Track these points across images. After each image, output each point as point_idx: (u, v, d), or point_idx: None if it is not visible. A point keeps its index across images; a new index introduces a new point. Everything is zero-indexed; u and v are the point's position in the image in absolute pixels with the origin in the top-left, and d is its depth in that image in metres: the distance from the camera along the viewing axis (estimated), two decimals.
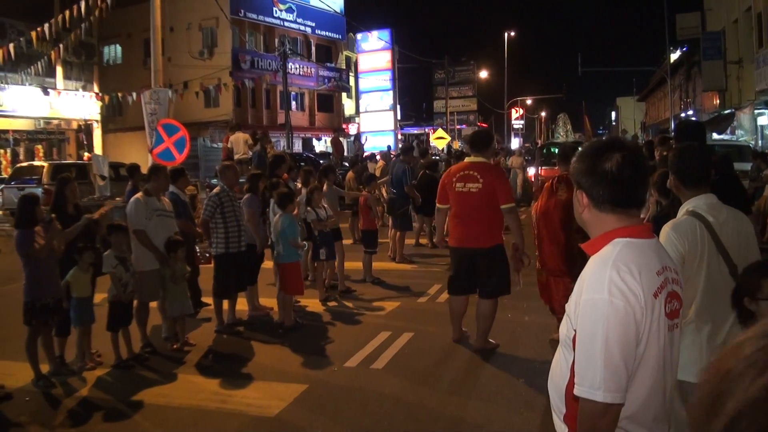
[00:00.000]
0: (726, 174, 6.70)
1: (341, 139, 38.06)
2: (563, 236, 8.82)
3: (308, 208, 12.43)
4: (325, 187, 13.47)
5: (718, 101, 42.33)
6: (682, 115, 55.38)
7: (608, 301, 2.65)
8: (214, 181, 22.30)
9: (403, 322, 11.00)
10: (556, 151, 30.50)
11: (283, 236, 10.91)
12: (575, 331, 2.77)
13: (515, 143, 76.54)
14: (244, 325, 11.07)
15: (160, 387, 8.47)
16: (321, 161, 30.09)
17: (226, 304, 10.96)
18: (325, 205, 12.75)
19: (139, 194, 10.21)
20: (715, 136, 37.11)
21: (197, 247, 12.16)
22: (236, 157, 22.62)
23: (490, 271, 9.17)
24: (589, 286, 2.74)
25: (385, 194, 18.89)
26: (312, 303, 12.39)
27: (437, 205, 9.62)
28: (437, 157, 32.70)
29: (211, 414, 7.55)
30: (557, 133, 34.91)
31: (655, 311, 2.72)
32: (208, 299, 11.33)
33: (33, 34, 22.00)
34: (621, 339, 2.63)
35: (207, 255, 11.67)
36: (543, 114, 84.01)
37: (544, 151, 34.44)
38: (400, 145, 66.34)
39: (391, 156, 26.67)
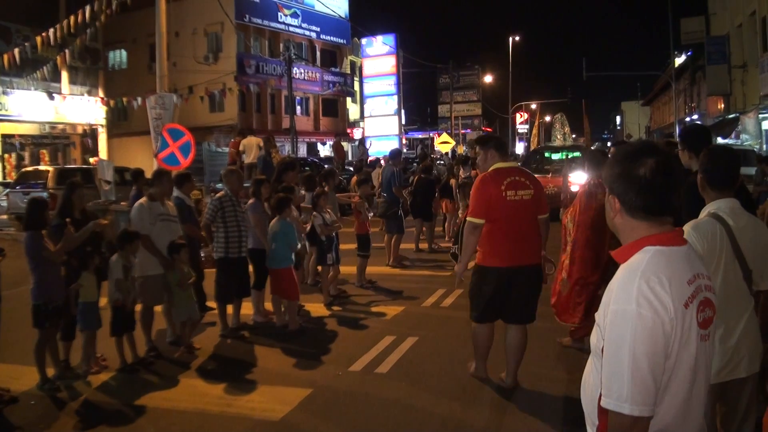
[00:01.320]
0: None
1: (343, 143, 38.06)
2: (605, 241, 8.59)
3: (314, 213, 12.46)
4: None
5: (722, 105, 42.35)
6: (687, 119, 55.36)
7: (636, 312, 2.62)
8: (219, 185, 22.31)
9: (408, 326, 10.99)
10: (552, 156, 29.39)
11: (276, 241, 10.94)
12: (604, 341, 2.74)
13: (520, 148, 76.55)
14: (249, 329, 11.06)
15: (164, 391, 8.49)
16: (326, 166, 30.12)
17: (230, 308, 10.99)
18: (330, 210, 12.78)
19: (143, 199, 10.22)
20: (719, 140, 37.10)
21: (202, 252, 12.16)
22: (247, 161, 22.64)
23: (530, 291, 8.05)
24: (618, 297, 2.71)
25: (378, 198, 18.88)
26: (316, 307, 12.40)
27: (474, 219, 7.81)
28: (441, 162, 32.59)
29: (216, 418, 7.56)
30: (554, 135, 32.75)
31: (686, 322, 2.69)
32: (213, 303, 11.33)
33: (38, 39, 22.03)
34: (649, 351, 2.60)
35: (211, 258, 11.66)
36: (547, 118, 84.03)
37: (537, 156, 30.98)
38: (404, 150, 66.51)
39: (382, 163, 26.71)
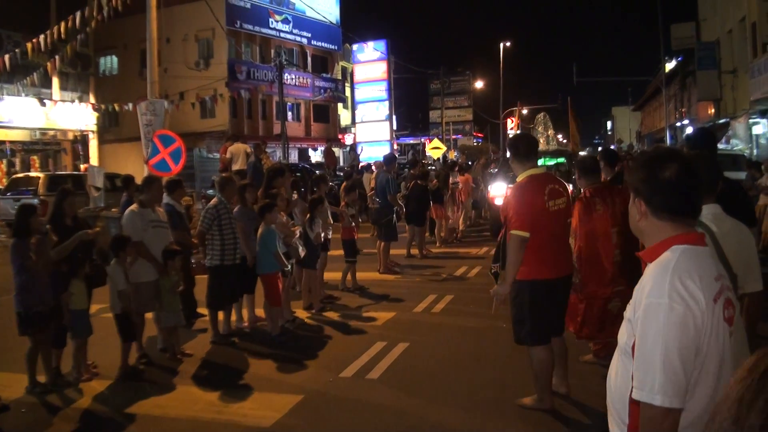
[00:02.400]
0: (732, 184, 6.75)
1: (334, 148, 38.02)
2: (611, 251, 8.37)
3: (313, 219, 12.44)
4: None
5: (713, 110, 42.46)
6: (678, 124, 55.50)
7: (669, 306, 2.69)
8: (210, 191, 22.28)
9: (399, 332, 10.98)
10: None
11: (261, 247, 10.94)
12: (636, 336, 2.79)
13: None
14: (240, 336, 11.05)
15: (155, 398, 8.46)
16: (317, 171, 30.09)
17: (221, 314, 10.99)
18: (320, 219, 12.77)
19: (133, 206, 10.23)
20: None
21: (192, 258, 12.15)
22: (235, 167, 22.61)
23: (567, 301, 7.81)
24: (651, 291, 2.77)
25: (371, 204, 18.87)
26: (307, 314, 12.43)
27: (521, 233, 7.06)
28: (433, 168, 32.08)
29: (207, 425, 7.55)
30: (536, 137, 27.97)
31: (716, 316, 2.75)
32: (204, 310, 11.33)
33: (29, 45, 21.99)
34: (680, 344, 2.66)
35: (202, 265, 11.61)
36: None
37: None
38: (395, 156, 66.47)
39: (373, 168, 26.70)
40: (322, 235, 12.69)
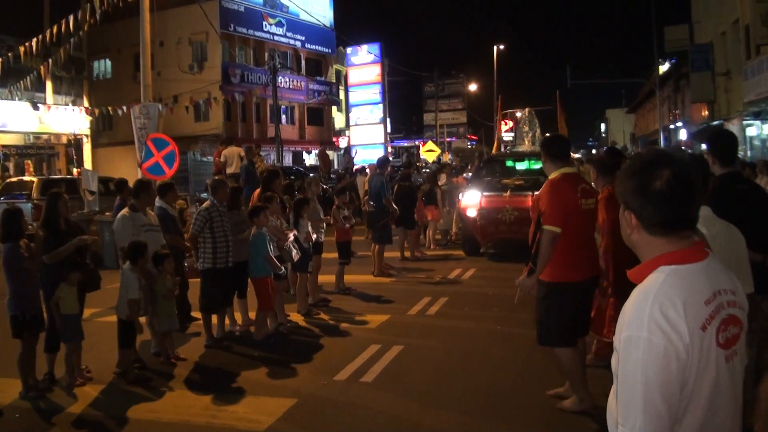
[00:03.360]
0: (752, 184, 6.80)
1: (328, 151, 38.01)
2: None
3: (298, 220, 12.40)
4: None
5: (706, 112, 42.49)
6: (671, 126, 55.58)
7: (647, 340, 2.51)
8: (204, 195, 22.24)
9: (393, 335, 10.96)
10: (517, 165, 21.73)
11: (252, 251, 10.90)
12: (618, 368, 2.65)
13: None
14: (233, 339, 11.02)
15: (149, 403, 8.43)
16: (311, 174, 30.08)
17: (215, 318, 10.97)
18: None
19: (124, 210, 10.21)
20: (704, 147, 37.20)
21: (185, 262, 12.12)
22: (229, 171, 22.58)
23: (591, 303, 7.79)
24: (630, 322, 2.59)
25: (365, 207, 18.81)
26: (301, 317, 12.40)
27: (554, 228, 7.05)
28: (427, 170, 31.90)
29: (200, 429, 7.53)
30: (519, 137, 26.02)
31: (704, 345, 2.57)
32: (198, 314, 11.30)
33: (21, 48, 21.99)
34: (661, 380, 2.50)
35: (195, 269, 11.58)
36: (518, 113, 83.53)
37: (494, 166, 22.14)
38: (390, 158, 66.47)
39: (366, 171, 26.62)
40: (314, 236, 12.66)
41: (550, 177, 7.43)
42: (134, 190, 10.57)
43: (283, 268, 11.42)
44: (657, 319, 2.52)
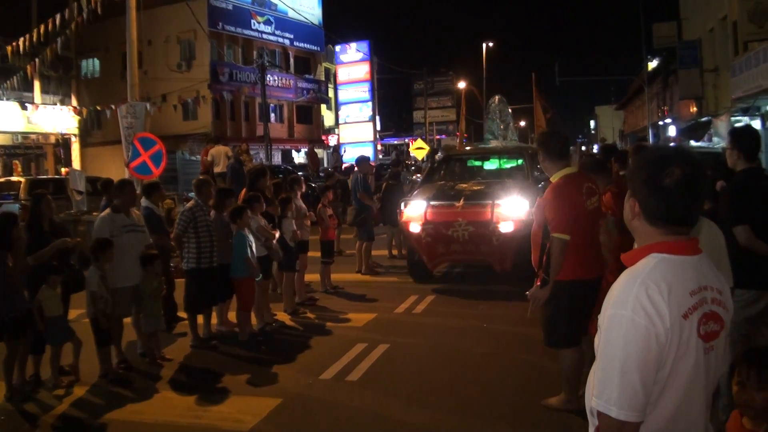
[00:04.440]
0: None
1: (317, 150, 37.98)
2: None
3: (282, 219, 12.36)
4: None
5: (695, 109, 42.59)
6: (660, 123, 55.67)
7: (630, 318, 2.61)
8: (191, 194, 22.22)
9: (379, 334, 10.96)
10: (485, 165, 18.39)
11: (234, 251, 10.85)
12: (600, 344, 2.74)
13: None
14: (220, 339, 10.98)
15: (134, 404, 8.41)
16: (300, 173, 30.05)
17: (200, 318, 10.94)
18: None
19: (106, 211, 10.16)
20: (692, 143, 37.38)
21: (171, 262, 12.10)
22: (216, 170, 22.51)
23: (595, 302, 7.06)
24: (615, 301, 2.70)
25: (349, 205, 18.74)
26: (288, 316, 12.38)
27: (562, 235, 6.92)
28: (413, 168, 31.84)
29: (185, 430, 7.52)
30: (488, 130, 21.70)
31: (684, 333, 2.66)
32: (184, 314, 11.27)
33: (8, 48, 21.93)
34: (640, 358, 2.59)
35: (181, 269, 11.53)
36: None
37: (452, 166, 17.78)
38: (380, 156, 66.58)
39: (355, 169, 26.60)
40: (300, 233, 12.64)
41: (552, 180, 7.28)
42: (115, 190, 10.51)
43: (260, 274, 11.32)
44: (642, 300, 2.62)
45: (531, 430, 7.22)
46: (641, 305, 2.61)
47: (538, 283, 7.13)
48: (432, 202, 14.03)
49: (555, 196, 7.09)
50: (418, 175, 25.41)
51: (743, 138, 6.77)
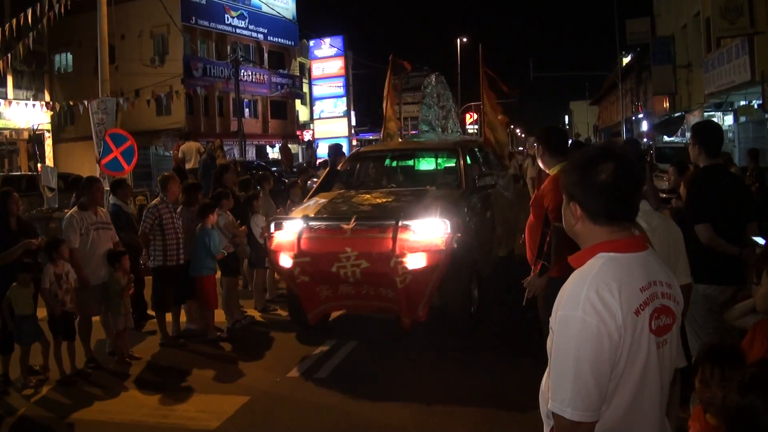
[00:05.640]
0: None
1: (291, 145, 37.84)
2: None
3: (250, 216, 12.30)
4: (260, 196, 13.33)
5: (668, 104, 42.93)
6: (633, 118, 55.99)
7: (581, 319, 2.61)
8: None
9: (348, 330, 10.99)
10: (415, 166, 14.22)
11: (197, 249, 10.76)
12: (552, 346, 2.75)
13: None
14: (188, 337, 10.96)
15: (101, 403, 8.40)
16: (274, 169, 29.98)
17: (169, 316, 10.89)
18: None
19: (73, 209, 10.12)
20: (665, 138, 37.65)
21: (140, 260, 12.06)
22: (188, 166, 22.41)
23: None
24: (566, 303, 2.70)
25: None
26: (257, 313, 12.36)
27: (557, 222, 6.35)
28: None
29: (152, 429, 7.52)
30: (423, 120, 16.73)
31: (637, 329, 2.67)
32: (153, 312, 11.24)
33: None
34: (593, 358, 2.59)
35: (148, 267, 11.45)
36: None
37: (357, 168, 13.43)
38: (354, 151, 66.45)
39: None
40: None
41: (550, 172, 7.23)
42: (82, 187, 10.42)
43: (217, 270, 11.24)
44: (592, 300, 2.63)
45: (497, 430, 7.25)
46: (591, 305, 2.62)
47: (536, 272, 7.11)
48: (311, 223, 9.86)
49: (555, 186, 6.91)
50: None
51: (705, 133, 6.75)
